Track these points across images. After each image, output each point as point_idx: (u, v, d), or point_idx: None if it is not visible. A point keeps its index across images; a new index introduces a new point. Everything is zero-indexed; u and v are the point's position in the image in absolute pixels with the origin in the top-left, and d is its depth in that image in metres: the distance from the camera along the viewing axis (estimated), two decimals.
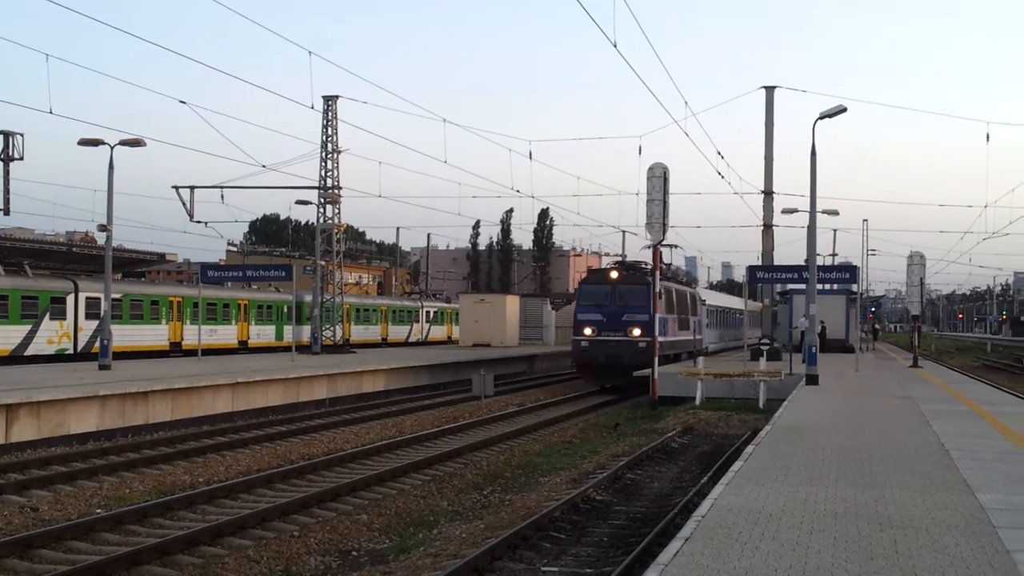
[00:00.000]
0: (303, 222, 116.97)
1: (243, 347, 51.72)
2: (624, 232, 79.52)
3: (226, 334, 51.02)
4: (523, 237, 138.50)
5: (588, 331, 37.84)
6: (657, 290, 35.34)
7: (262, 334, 53.94)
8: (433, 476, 19.12)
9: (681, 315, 43.17)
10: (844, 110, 29.27)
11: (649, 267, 37.96)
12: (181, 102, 25.87)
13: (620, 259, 39.25)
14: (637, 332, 36.98)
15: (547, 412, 32.10)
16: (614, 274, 39.39)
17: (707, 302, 52.10)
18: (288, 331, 53.16)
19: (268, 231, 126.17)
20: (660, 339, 34.25)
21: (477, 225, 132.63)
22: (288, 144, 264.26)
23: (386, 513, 15.56)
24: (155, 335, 45.76)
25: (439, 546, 13.18)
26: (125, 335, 42.18)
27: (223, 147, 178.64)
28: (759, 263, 45.83)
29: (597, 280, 40.00)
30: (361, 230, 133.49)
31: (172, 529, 14.20)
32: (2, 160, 41.51)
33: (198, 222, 43.08)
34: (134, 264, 55.94)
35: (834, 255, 78.46)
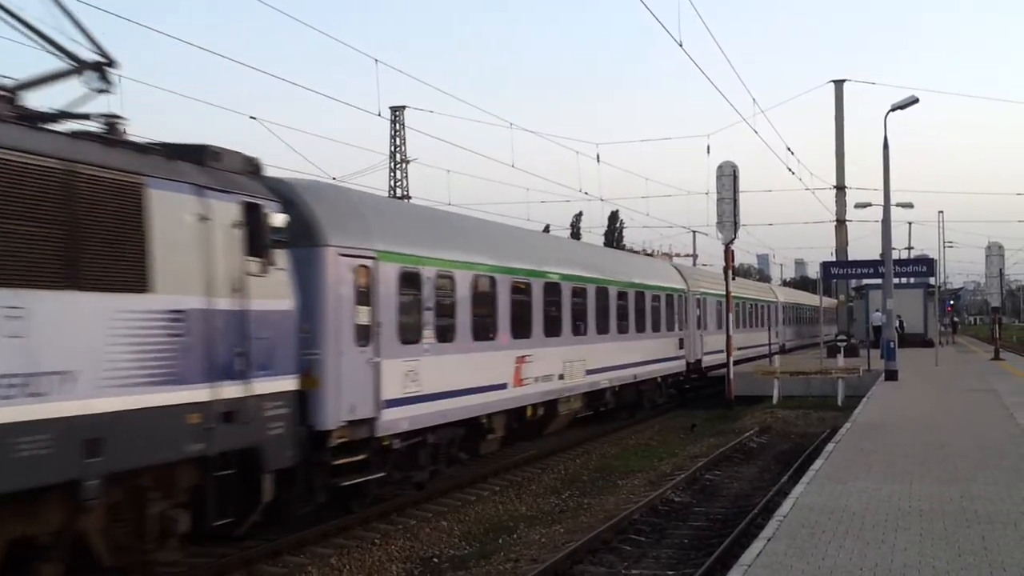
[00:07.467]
0: None
1: None
2: (695, 232, 78.99)
3: None
4: (593, 240, 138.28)
5: None
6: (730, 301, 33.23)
7: None
8: (511, 481, 19.14)
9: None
10: (916, 101, 28.92)
11: None
12: (251, 118, 26.10)
13: None
14: None
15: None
16: None
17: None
18: None
19: None
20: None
21: (547, 229, 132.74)
22: (357, 155, 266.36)
23: (465, 519, 15.62)
24: None
25: (519, 551, 13.21)
26: None
27: (293, 160, 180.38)
28: (833, 259, 45.39)
29: None
30: None
31: (256, 540, 14.34)
32: None
33: None
34: None
35: (910, 248, 77.49)
